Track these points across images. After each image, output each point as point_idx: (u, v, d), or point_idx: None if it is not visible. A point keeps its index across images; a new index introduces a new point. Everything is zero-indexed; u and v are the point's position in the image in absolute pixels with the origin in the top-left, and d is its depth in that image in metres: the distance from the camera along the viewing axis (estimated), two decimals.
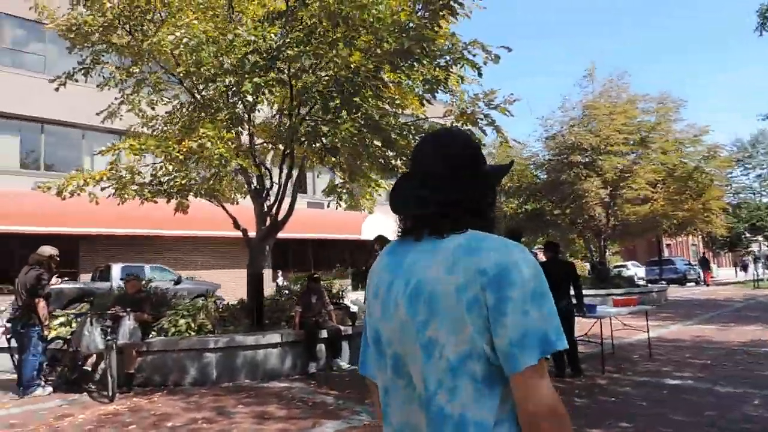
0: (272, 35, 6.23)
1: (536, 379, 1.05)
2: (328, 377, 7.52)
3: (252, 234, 9.26)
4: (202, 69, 6.82)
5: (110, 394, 6.35)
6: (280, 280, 22.06)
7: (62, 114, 17.42)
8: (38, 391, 6.69)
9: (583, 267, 29.71)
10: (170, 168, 7.37)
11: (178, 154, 6.24)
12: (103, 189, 7.60)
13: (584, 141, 18.06)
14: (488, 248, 1.12)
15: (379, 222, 26.89)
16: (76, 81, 8.60)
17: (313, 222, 22.24)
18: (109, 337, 6.66)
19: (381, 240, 6.38)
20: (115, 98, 8.76)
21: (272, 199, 9.12)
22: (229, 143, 6.56)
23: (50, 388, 6.84)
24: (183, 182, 7.29)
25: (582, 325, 7.94)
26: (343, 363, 7.99)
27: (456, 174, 1.24)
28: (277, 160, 9.45)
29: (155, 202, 8.66)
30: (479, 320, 1.07)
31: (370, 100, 7.16)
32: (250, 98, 7.63)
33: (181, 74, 6.73)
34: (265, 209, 9.13)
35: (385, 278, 1.26)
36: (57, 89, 8.49)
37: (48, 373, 7.09)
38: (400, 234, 1.30)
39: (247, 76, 6.66)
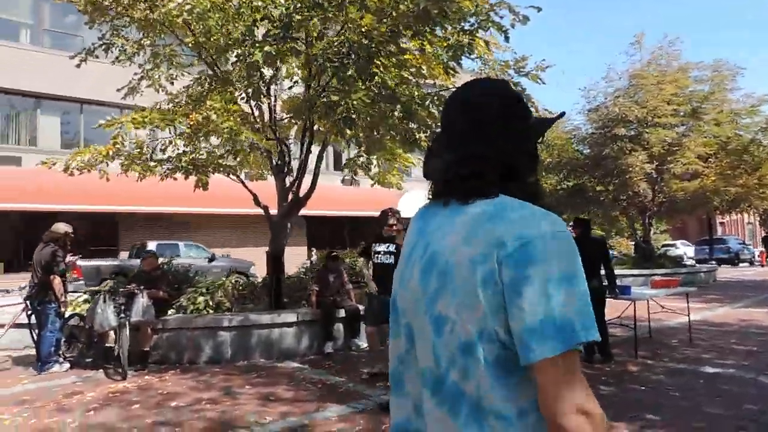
0: (281, 0, 5.89)
1: (557, 374, 0.90)
2: (345, 358, 7.31)
3: (273, 211, 9.06)
4: (212, 39, 6.55)
5: (122, 371, 6.30)
6: (314, 258, 22.10)
7: (99, 94, 17.62)
8: (55, 368, 6.72)
9: (628, 246, 28.62)
10: (179, 143, 7.18)
11: (186, 128, 6.03)
12: (120, 165, 7.49)
13: (630, 113, 17.05)
14: (512, 217, 0.99)
15: (417, 197, 26.57)
16: (96, 57, 8.47)
17: (347, 199, 22.08)
18: (122, 315, 6.61)
19: (384, 214, 6.03)
20: (134, 74, 8.63)
21: (294, 175, 8.88)
22: (235, 116, 6.29)
23: (67, 365, 6.87)
24: (192, 157, 7.10)
25: (616, 306, 7.44)
26: (362, 343, 7.75)
27: (482, 129, 1.11)
28: (300, 134, 9.17)
29: (175, 179, 8.54)
30: (494, 299, 0.95)
31: (389, 68, 6.76)
32: (266, 70, 7.36)
33: (190, 45, 6.49)
34: (287, 185, 8.90)
35: (409, 244, 1.20)
36: (78, 65, 8.41)
37: (66, 349, 7.13)
38: (429, 197, 1.20)
39: (258, 45, 6.37)
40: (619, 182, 18.07)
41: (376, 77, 6.31)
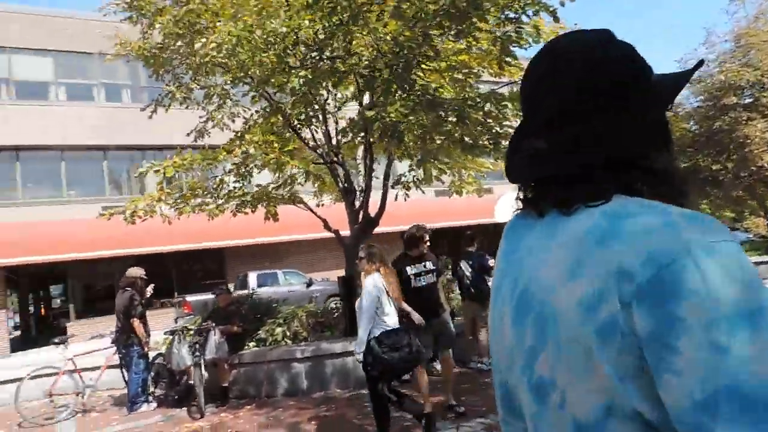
0: (306, 22, 5.75)
1: None
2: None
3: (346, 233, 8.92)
4: (248, 73, 6.58)
5: (200, 409, 6.39)
6: None
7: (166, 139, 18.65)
8: (144, 407, 6.98)
9: (765, 227, 25.50)
10: (228, 180, 7.26)
11: (231, 164, 6.05)
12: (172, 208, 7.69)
13: (740, 78, 15.19)
14: (634, 229, 0.67)
15: (513, 202, 25.48)
16: (164, 106, 8.84)
17: (440, 210, 21.69)
18: (196, 353, 6.73)
19: (414, 233, 5.52)
20: (200, 117, 8.94)
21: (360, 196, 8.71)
22: (276, 146, 6.21)
23: (155, 404, 7.12)
24: (243, 192, 7.13)
25: None
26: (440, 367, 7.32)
27: (581, 102, 0.78)
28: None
29: (245, 213, 8.69)
30: (624, 358, 0.65)
31: (429, 73, 6.39)
32: (324, 93, 7.30)
33: (229, 81, 6.57)
34: (356, 207, 8.75)
35: (497, 272, 0.92)
36: (150, 117, 8.87)
37: (154, 388, 7.40)
38: (520, 206, 0.90)
39: (292, 71, 6.28)
40: (738, 157, 16.13)
41: (416, 85, 5.95)
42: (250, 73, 6.30)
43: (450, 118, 6.89)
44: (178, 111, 8.73)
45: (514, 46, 6.63)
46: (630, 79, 0.79)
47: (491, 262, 10.40)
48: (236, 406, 6.72)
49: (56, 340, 7.44)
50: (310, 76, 6.27)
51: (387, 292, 4.58)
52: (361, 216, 8.71)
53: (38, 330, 24.88)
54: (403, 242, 5.70)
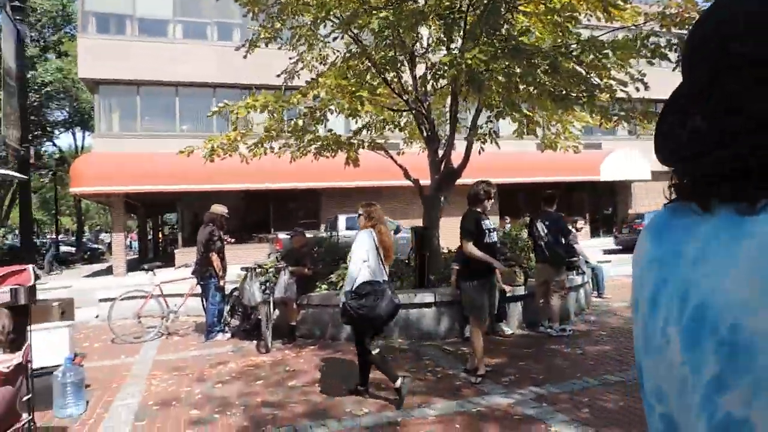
0: None
1: None
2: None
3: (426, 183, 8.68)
4: (331, 13, 6.37)
5: (266, 344, 6.65)
6: (507, 227, 21.26)
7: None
8: (219, 336, 7.40)
9: None
10: (300, 123, 7.17)
11: (305, 107, 5.96)
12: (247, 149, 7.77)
13: None
14: None
15: (621, 161, 23.69)
16: (256, 46, 8.89)
17: (543, 164, 20.67)
18: (266, 291, 6.96)
19: (480, 188, 5.23)
20: (290, 58, 8.93)
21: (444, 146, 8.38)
22: (349, 90, 6.00)
23: (229, 334, 7.51)
24: (314, 136, 7.04)
25: None
26: (507, 328, 7.06)
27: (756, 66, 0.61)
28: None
29: (327, 156, 8.70)
30: None
31: (517, 17, 5.85)
32: (408, 36, 6.96)
33: (310, 21, 6.39)
34: (438, 157, 8.46)
35: (648, 279, 0.73)
36: (245, 56, 8.97)
37: (230, 319, 7.80)
38: (673, 199, 0.74)
39: (374, 12, 6.00)
40: None
41: (500, 30, 5.45)
42: (333, 13, 6.08)
43: (541, 67, 6.33)
44: (284, 52, 8.77)
45: None
46: None
47: (575, 225, 9.71)
48: (301, 345, 6.93)
49: (145, 267, 8.02)
50: (392, 18, 5.96)
51: (378, 250, 4.70)
52: (443, 166, 8.42)
53: (155, 253, 27.46)
54: (468, 199, 5.42)
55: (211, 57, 19.90)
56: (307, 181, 19.15)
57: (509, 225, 22.26)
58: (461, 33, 5.39)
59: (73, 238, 38.59)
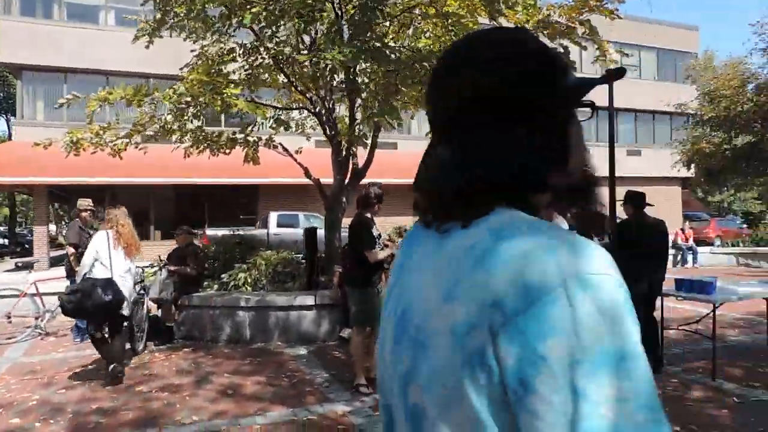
0: None
1: None
2: None
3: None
4: (211, 5, 6.21)
5: (132, 346, 6.45)
6: (407, 229, 21.40)
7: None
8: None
9: None
10: (169, 118, 6.95)
11: (168, 102, 5.76)
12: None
13: None
14: (511, 253, 0.60)
15: None
16: (161, 36, 8.58)
17: None
18: (140, 291, 6.75)
19: (369, 191, 5.06)
20: (191, 50, 8.68)
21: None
22: (208, 88, 5.85)
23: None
24: (182, 132, 6.85)
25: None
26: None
27: (477, 107, 0.71)
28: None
29: (225, 153, 8.51)
30: (489, 393, 0.59)
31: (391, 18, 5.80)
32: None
33: (183, 12, 6.20)
34: (342, 156, 8.37)
35: (390, 282, 0.85)
36: (147, 47, 8.68)
37: None
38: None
39: (248, 6, 5.87)
40: None
41: (366, 33, 5.39)
42: (212, 6, 5.92)
43: (402, 72, 6.24)
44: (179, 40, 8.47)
45: None
46: (542, 85, 0.71)
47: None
48: (176, 348, 6.75)
49: (20, 264, 7.68)
50: (264, 13, 5.84)
51: (114, 249, 5.35)
52: (350, 167, 8.35)
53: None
54: (357, 202, 5.19)
55: (143, 45, 19.28)
56: (243, 177, 18.76)
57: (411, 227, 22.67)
58: (317, 33, 5.29)
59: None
